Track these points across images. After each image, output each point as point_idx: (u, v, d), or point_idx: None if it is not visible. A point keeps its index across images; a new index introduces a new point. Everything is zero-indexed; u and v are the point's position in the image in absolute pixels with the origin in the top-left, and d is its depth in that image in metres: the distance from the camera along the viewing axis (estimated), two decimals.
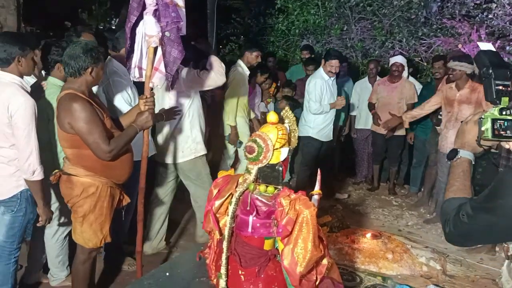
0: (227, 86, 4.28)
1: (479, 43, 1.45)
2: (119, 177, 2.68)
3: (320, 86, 4.77)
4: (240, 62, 4.48)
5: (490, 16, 5.64)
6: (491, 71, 1.35)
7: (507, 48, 5.56)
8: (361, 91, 5.73)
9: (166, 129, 3.45)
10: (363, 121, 5.71)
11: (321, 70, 4.83)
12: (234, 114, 4.39)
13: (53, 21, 9.86)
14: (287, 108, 2.18)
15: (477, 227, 1.21)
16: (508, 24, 5.52)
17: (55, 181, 2.58)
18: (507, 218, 1.13)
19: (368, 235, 3.85)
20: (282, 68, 6.67)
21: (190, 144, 3.49)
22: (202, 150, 3.58)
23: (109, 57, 3.19)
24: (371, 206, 5.19)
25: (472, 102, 4.15)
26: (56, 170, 2.59)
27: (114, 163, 2.57)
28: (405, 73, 5.37)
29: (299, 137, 2.23)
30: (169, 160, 3.51)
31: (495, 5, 5.56)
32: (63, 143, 2.56)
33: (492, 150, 1.48)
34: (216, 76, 3.28)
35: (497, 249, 4.00)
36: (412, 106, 5.22)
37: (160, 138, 3.51)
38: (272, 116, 2.04)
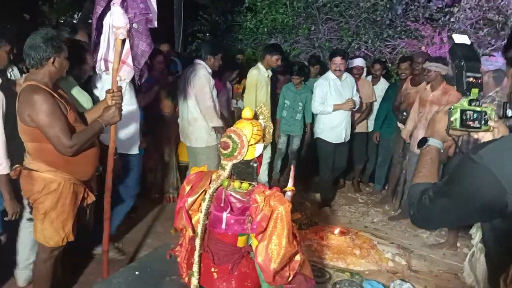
0: (244, 88, 4.60)
1: (454, 36, 1.47)
2: (83, 173, 2.58)
3: (323, 86, 4.78)
4: (259, 64, 4.75)
5: (452, 19, 5.84)
6: (463, 63, 1.39)
7: None
8: None
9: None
10: None
11: (329, 70, 4.85)
12: None
13: (10, 14, 9.41)
14: (261, 104, 2.16)
15: (437, 211, 1.25)
16: (469, 27, 5.72)
17: (16, 177, 2.46)
18: (462, 203, 1.17)
19: (336, 231, 3.90)
20: (251, 66, 6.63)
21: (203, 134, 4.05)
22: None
23: None
24: (338, 203, 5.25)
25: (442, 104, 4.17)
26: (17, 165, 2.47)
27: (77, 158, 2.47)
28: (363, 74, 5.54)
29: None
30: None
31: (457, 9, 5.75)
32: (24, 137, 2.43)
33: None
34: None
35: (458, 244, 4.14)
36: (370, 105, 5.48)
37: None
38: (247, 112, 2.01)
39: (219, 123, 4.02)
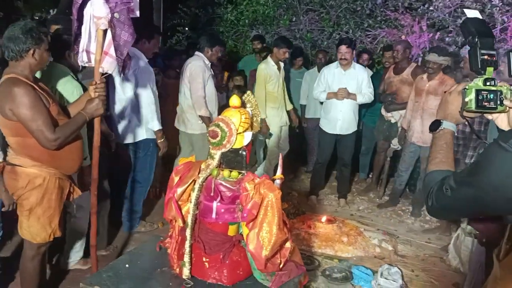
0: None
1: (466, 10, 1.40)
2: (68, 167, 2.53)
3: (325, 73, 4.77)
4: (268, 58, 4.86)
5: (431, 8, 5.90)
6: (477, 39, 1.30)
7: (447, 39, 5.85)
8: (311, 80, 5.78)
9: None
10: (313, 110, 5.78)
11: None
12: (263, 107, 4.62)
13: None
14: (249, 92, 2.15)
15: (459, 201, 1.19)
16: (448, 16, 5.80)
17: None
18: (488, 192, 1.10)
19: (323, 220, 3.93)
20: (232, 58, 6.62)
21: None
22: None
23: None
24: (324, 192, 5.28)
25: (438, 94, 4.17)
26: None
27: (62, 152, 2.42)
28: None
29: None
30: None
31: None
32: (5, 131, 2.37)
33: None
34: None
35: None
36: None
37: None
38: (234, 100, 2.00)
39: (206, 113, 4.10)
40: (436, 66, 4.23)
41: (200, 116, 4.14)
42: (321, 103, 4.98)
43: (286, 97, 5.16)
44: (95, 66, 2.50)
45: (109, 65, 2.54)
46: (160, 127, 3.69)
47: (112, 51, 2.50)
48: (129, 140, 3.69)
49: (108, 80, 3.11)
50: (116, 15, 2.41)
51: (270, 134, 4.81)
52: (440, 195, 1.21)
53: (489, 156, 1.11)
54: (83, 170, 2.87)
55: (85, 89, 2.85)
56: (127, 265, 2.08)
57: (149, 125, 3.66)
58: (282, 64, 4.99)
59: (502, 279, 1.15)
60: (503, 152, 1.06)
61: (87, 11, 2.44)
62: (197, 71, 4.13)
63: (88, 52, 2.52)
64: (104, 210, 3.40)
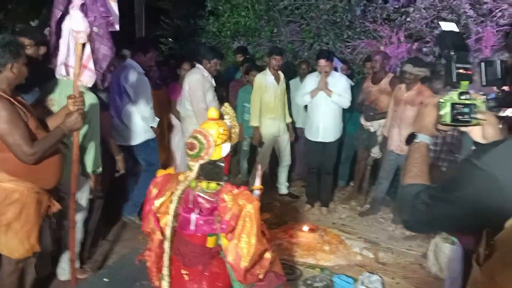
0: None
1: (441, 23, 1.38)
2: (46, 181, 2.51)
3: (310, 80, 4.81)
4: (266, 69, 5.03)
5: (408, 19, 6.04)
6: (453, 53, 1.31)
7: (424, 49, 5.99)
8: (294, 90, 5.85)
9: None
10: (295, 119, 5.84)
11: None
12: (257, 116, 4.92)
13: None
14: (226, 104, 2.18)
15: (433, 217, 1.19)
16: (425, 26, 5.94)
17: None
18: (461, 209, 1.11)
19: (305, 229, 3.95)
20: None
21: None
22: None
23: None
24: (306, 201, 5.31)
25: (415, 104, 4.20)
26: None
27: (40, 166, 2.40)
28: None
29: None
30: None
31: (412, 9, 5.96)
32: None
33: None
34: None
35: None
36: None
37: None
38: (212, 112, 2.03)
39: None
40: (412, 77, 4.30)
41: None
42: (306, 111, 5.05)
43: (286, 109, 5.23)
44: (73, 79, 2.50)
45: (88, 78, 2.55)
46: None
47: (91, 64, 2.52)
48: (131, 142, 4.04)
49: (110, 89, 3.71)
50: (95, 29, 2.43)
51: (263, 143, 4.97)
52: (414, 210, 1.21)
53: (462, 173, 1.11)
54: (96, 178, 3.12)
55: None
56: (106, 279, 2.08)
57: (151, 125, 4.08)
58: (282, 76, 5.07)
59: (483, 284, 1.16)
60: (476, 170, 1.06)
61: (65, 25, 2.46)
62: (196, 85, 4.33)
63: (66, 65, 2.53)
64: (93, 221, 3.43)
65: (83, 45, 2.44)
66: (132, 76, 3.89)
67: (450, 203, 1.13)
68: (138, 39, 6.77)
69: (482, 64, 1.31)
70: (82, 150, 2.94)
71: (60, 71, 2.52)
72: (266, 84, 4.94)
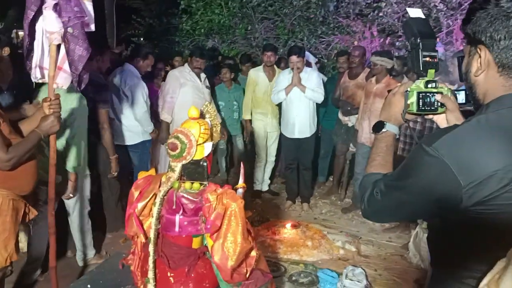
0: None
1: (408, 9, 1.34)
2: (22, 188, 2.44)
3: (283, 77, 4.83)
4: (261, 66, 5.21)
5: (380, 14, 6.13)
6: (419, 41, 1.27)
7: (397, 43, 6.09)
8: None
9: None
10: None
11: None
12: (247, 109, 5.15)
13: None
14: (207, 103, 2.15)
15: (389, 205, 1.18)
16: (397, 21, 6.04)
17: None
18: (416, 197, 1.10)
19: (288, 225, 3.97)
20: None
21: None
22: None
23: None
24: (286, 198, 5.33)
25: (384, 97, 4.26)
26: None
27: (15, 173, 2.32)
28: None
29: None
30: None
31: (384, 4, 6.05)
32: None
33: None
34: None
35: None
36: None
37: None
38: (193, 111, 2.00)
39: (167, 118, 4.52)
40: (377, 67, 4.37)
41: (161, 120, 4.52)
42: (280, 109, 5.03)
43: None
44: (48, 82, 2.43)
45: (63, 80, 2.48)
46: (153, 128, 4.36)
47: (66, 66, 2.44)
48: (129, 142, 4.25)
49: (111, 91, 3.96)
50: (69, 29, 2.35)
51: (252, 136, 5.14)
52: (371, 199, 1.20)
53: (414, 159, 1.10)
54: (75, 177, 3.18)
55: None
56: (88, 286, 2.03)
57: (145, 129, 4.26)
58: (277, 72, 5.10)
59: None
60: (427, 156, 1.04)
61: (39, 26, 2.38)
62: (167, 79, 4.60)
63: (41, 68, 2.45)
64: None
65: (58, 46, 2.37)
66: (130, 80, 4.12)
67: (402, 190, 1.12)
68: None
69: (457, 59, 1.29)
70: (66, 147, 3.09)
71: (35, 74, 2.44)
72: (257, 80, 5.06)
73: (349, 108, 4.93)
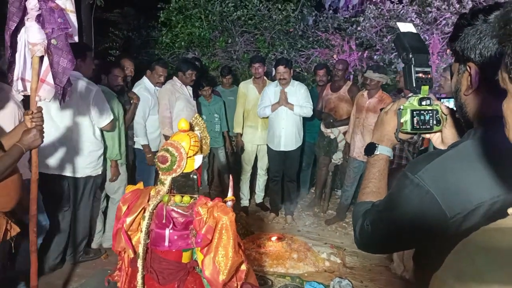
0: None
1: (399, 24, 1.28)
2: (4, 204, 2.35)
3: (268, 91, 4.83)
4: (251, 79, 5.22)
5: (358, 28, 6.25)
6: (411, 56, 1.21)
7: (375, 57, 6.21)
8: None
9: None
10: None
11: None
12: (239, 123, 5.14)
13: None
14: (196, 115, 2.14)
15: (379, 237, 1.13)
16: (374, 35, 6.17)
17: None
18: (405, 228, 1.05)
19: (273, 238, 3.95)
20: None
21: None
22: None
23: None
24: (270, 210, 5.31)
25: (377, 112, 4.24)
26: None
27: None
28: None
29: None
30: None
31: (362, 18, 6.18)
32: None
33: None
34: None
35: None
36: None
37: None
38: (183, 124, 1.98)
39: (169, 132, 4.38)
40: (373, 83, 4.41)
41: (164, 135, 4.46)
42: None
43: None
44: (31, 94, 2.37)
45: (46, 93, 2.42)
46: (147, 143, 4.35)
47: (49, 78, 2.39)
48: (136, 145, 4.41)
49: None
50: (53, 41, 2.30)
51: (243, 149, 5.13)
52: (362, 231, 1.15)
53: (399, 189, 1.05)
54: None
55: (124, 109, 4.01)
56: None
57: (139, 140, 4.32)
58: (268, 84, 5.06)
59: None
60: (411, 185, 1.01)
61: (21, 38, 2.33)
62: (161, 94, 4.50)
63: (23, 80, 2.39)
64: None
65: (41, 58, 2.32)
66: (142, 93, 4.33)
67: (391, 222, 1.08)
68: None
69: (448, 71, 1.30)
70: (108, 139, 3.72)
71: (16, 87, 2.38)
72: (246, 93, 5.09)
73: (331, 120, 4.97)
